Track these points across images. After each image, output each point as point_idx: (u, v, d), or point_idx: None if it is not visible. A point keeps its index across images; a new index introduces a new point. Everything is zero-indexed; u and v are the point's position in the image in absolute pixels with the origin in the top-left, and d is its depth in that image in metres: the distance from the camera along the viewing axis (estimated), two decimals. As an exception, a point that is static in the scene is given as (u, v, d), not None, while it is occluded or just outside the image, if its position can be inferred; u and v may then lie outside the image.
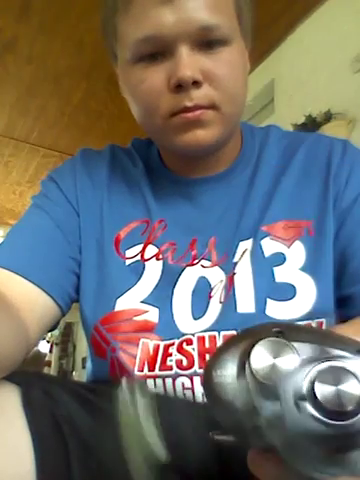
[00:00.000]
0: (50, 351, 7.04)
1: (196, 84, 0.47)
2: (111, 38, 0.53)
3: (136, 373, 0.52)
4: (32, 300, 0.51)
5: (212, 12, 0.46)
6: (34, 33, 2.21)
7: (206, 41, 0.47)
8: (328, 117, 1.81)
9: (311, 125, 1.84)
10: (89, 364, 0.62)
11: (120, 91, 0.57)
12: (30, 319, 0.49)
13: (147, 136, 0.62)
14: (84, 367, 5.90)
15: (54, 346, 7.10)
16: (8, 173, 3.67)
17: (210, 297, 0.53)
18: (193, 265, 0.55)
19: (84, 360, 5.91)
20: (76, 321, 6.32)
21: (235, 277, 0.53)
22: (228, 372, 0.20)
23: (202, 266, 0.55)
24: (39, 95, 2.70)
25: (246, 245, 0.55)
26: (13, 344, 0.44)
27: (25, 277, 0.51)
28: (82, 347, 6.04)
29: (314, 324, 0.50)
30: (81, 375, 5.83)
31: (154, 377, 0.51)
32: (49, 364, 6.41)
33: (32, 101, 2.76)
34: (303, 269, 0.53)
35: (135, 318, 0.53)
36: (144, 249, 0.57)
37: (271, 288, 0.52)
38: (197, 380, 0.50)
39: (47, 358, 6.49)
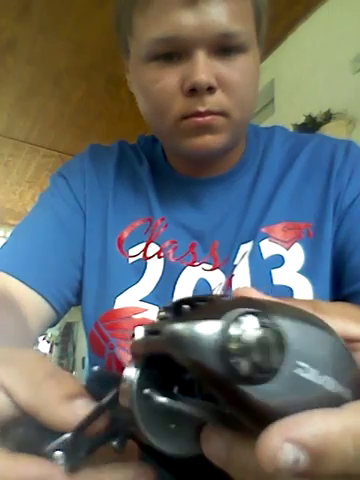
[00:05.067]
0: (50, 351, 7.04)
1: (210, 90, 0.47)
2: (125, 32, 0.52)
3: None
4: (27, 301, 0.52)
5: (233, 19, 0.46)
6: (34, 33, 2.22)
7: (224, 47, 0.47)
8: (328, 117, 1.81)
9: (311, 125, 1.84)
10: (87, 363, 0.62)
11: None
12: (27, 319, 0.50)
13: (151, 133, 0.62)
14: (84, 367, 5.91)
15: (54, 346, 7.10)
16: (8, 173, 3.67)
17: None
18: (194, 266, 0.55)
19: (84, 360, 5.91)
20: (76, 321, 6.33)
21: (233, 279, 0.52)
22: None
23: (203, 269, 0.55)
24: (39, 95, 2.71)
25: (246, 248, 0.54)
26: (19, 342, 0.44)
27: (21, 280, 0.52)
28: (82, 347, 6.05)
29: None
30: (81, 375, 5.82)
31: None
32: (49, 364, 6.41)
33: (32, 101, 2.76)
34: (301, 272, 0.52)
35: (134, 316, 0.53)
36: (146, 247, 0.57)
37: (268, 290, 0.51)
38: None
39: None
